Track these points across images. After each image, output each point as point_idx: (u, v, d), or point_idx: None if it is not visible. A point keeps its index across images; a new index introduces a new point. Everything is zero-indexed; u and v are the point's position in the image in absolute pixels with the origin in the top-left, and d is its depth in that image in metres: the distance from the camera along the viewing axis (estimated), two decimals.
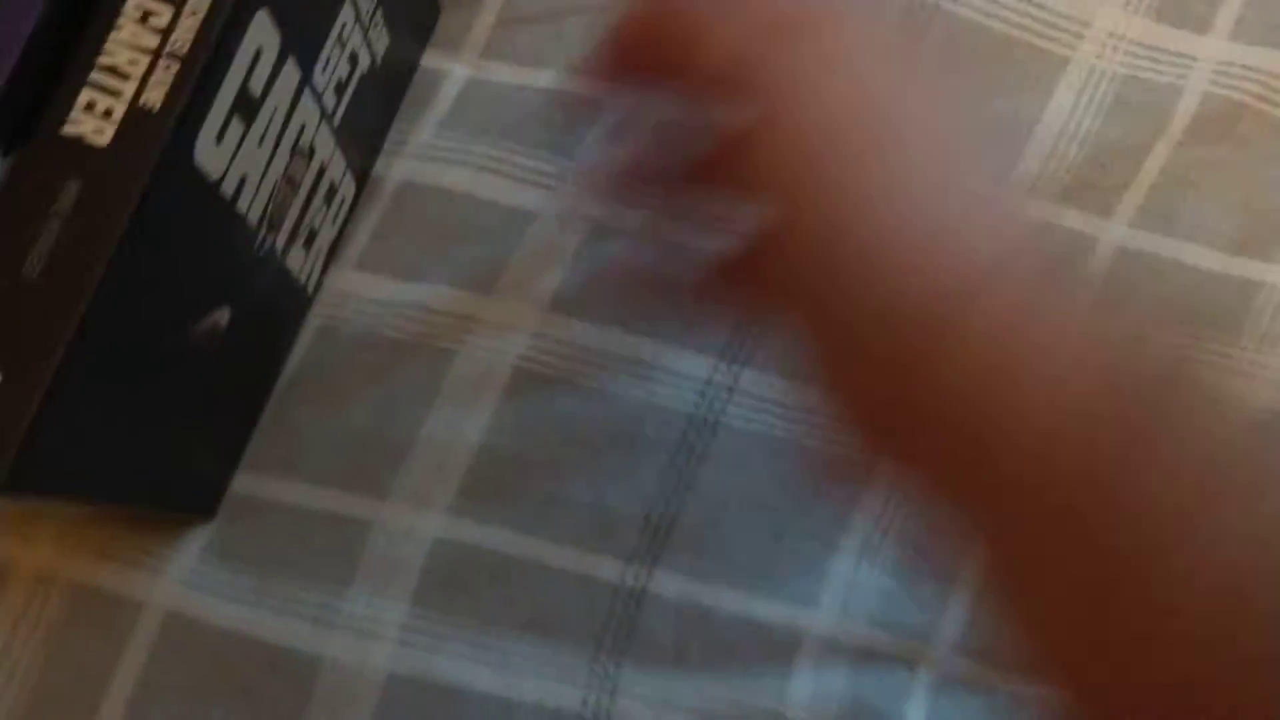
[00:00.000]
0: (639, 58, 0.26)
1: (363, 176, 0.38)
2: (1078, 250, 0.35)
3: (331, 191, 0.36)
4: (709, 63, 0.23)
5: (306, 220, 0.34)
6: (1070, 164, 0.41)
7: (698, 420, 0.38)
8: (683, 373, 0.38)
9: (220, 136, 0.27)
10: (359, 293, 0.38)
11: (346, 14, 0.33)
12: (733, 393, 0.38)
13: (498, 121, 0.40)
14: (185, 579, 0.35)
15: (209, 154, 0.26)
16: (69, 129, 0.25)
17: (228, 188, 0.28)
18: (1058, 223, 0.40)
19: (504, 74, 0.40)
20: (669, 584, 0.36)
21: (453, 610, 0.35)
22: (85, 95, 0.25)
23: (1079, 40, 0.42)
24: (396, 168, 0.39)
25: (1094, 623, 0.21)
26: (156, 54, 0.25)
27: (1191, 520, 0.20)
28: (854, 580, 0.37)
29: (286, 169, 0.31)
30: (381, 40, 0.36)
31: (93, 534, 0.35)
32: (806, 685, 0.35)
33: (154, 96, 0.24)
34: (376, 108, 0.38)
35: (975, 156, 0.24)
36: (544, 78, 0.40)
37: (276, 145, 0.30)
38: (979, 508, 0.23)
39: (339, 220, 0.37)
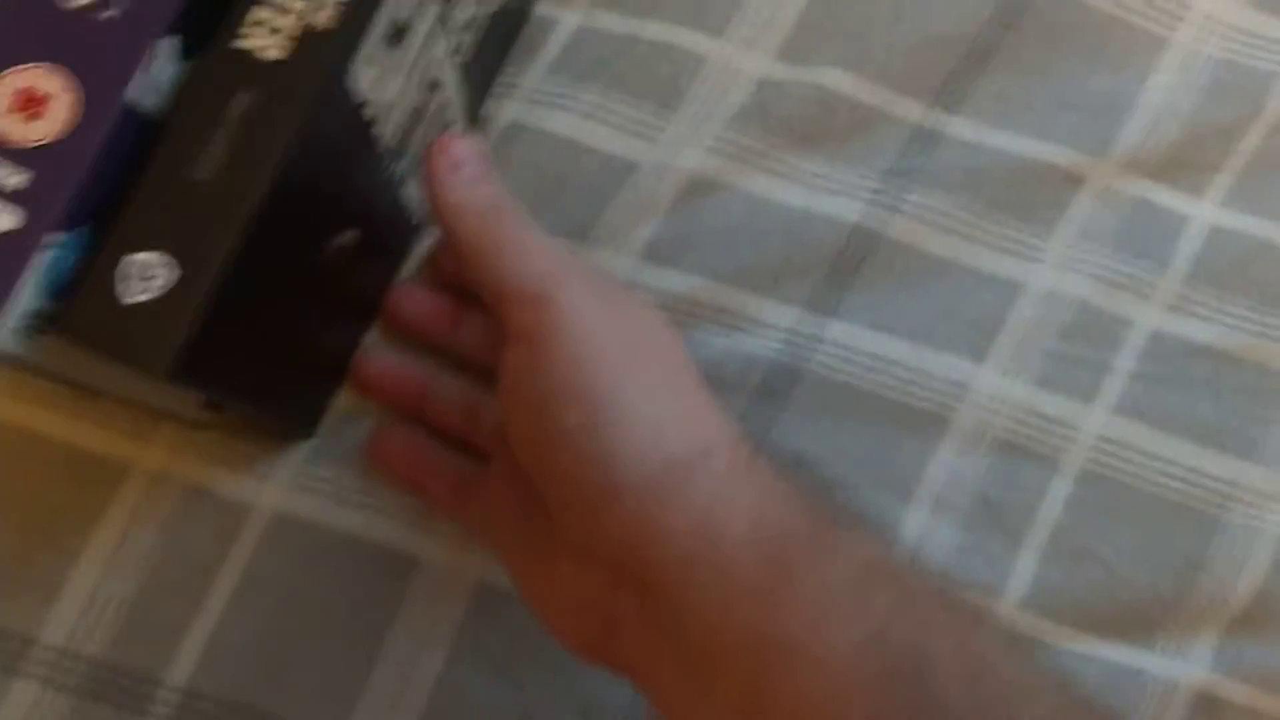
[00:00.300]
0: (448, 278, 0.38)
1: (474, 116, 0.40)
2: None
3: (447, 127, 0.37)
4: (506, 278, 0.30)
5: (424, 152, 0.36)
6: (1165, 143, 0.42)
7: (780, 367, 0.39)
8: (770, 322, 0.39)
9: (373, 61, 0.28)
10: None
11: None
12: (818, 342, 0.39)
13: (605, 70, 0.41)
14: (291, 483, 0.37)
15: (362, 77, 0.28)
16: (243, 43, 0.26)
17: (372, 112, 0.30)
18: (1151, 199, 0.41)
19: (614, 23, 0.42)
20: None
21: None
22: (260, 12, 0.26)
23: (1178, 22, 0.43)
24: (504, 110, 0.41)
25: None
26: None
27: None
28: (926, 533, 0.38)
29: (416, 100, 0.33)
30: None
31: (204, 439, 0.37)
32: None
33: (323, 17, 0.26)
34: (493, 50, 0.39)
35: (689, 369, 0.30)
36: (652, 29, 0.41)
37: (412, 76, 0.31)
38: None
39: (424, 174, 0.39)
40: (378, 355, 0.38)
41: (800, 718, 0.24)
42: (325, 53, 0.26)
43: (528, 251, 0.30)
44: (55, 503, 0.36)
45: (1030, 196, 0.41)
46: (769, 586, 0.25)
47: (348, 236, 0.33)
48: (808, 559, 0.25)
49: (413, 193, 0.37)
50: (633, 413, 0.27)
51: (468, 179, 0.31)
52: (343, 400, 0.38)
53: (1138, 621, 0.38)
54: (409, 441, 0.37)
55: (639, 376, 0.28)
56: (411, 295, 0.38)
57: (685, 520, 0.26)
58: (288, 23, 0.26)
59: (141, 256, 0.25)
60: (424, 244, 0.39)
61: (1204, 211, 0.41)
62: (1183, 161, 0.41)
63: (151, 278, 0.25)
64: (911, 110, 0.41)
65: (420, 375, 0.37)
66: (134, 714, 0.35)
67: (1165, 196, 0.41)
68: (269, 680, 0.36)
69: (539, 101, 0.41)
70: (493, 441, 0.35)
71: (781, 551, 0.25)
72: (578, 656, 0.30)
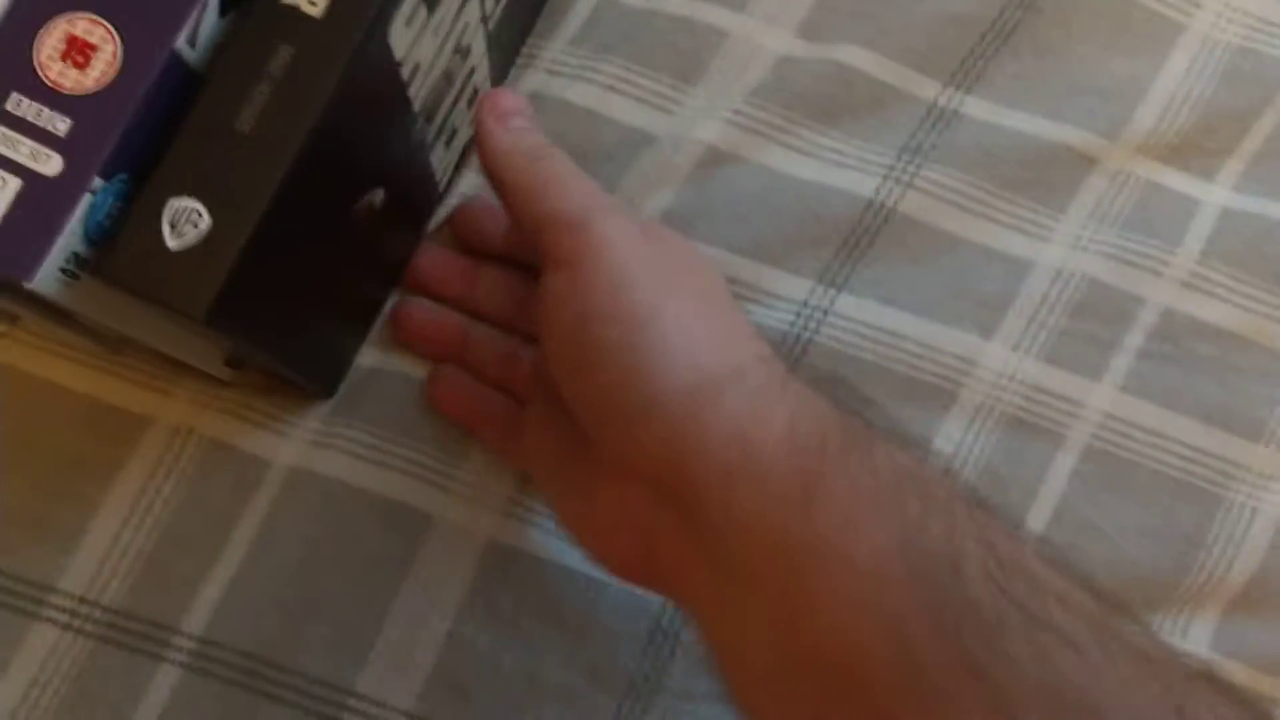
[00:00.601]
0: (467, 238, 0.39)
1: (498, 84, 0.40)
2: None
3: (474, 94, 0.38)
4: (547, 208, 0.31)
5: (450, 119, 0.37)
6: (1179, 126, 0.42)
7: (791, 340, 0.39)
8: (781, 294, 0.40)
9: (410, 22, 0.29)
10: (481, 193, 0.40)
11: None
12: (828, 315, 0.40)
13: (626, 43, 0.41)
14: (310, 440, 0.38)
15: (399, 36, 0.29)
16: None
17: (405, 72, 0.30)
18: (1164, 183, 0.42)
19: None
20: None
21: None
22: None
23: (1196, 9, 0.43)
24: (526, 79, 0.41)
25: None
26: None
27: None
28: None
29: (447, 64, 0.33)
30: None
31: (226, 395, 0.38)
32: None
33: None
34: (518, 19, 0.40)
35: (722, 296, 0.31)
36: (674, 3, 0.42)
37: (444, 39, 0.32)
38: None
39: (474, 124, 0.39)
40: (418, 305, 0.39)
41: (833, 618, 0.24)
42: (366, 10, 0.27)
43: (571, 186, 0.31)
44: (77, 454, 0.37)
45: (1043, 176, 0.41)
46: (801, 493, 0.26)
47: (376, 196, 0.33)
48: (839, 467, 0.26)
49: (439, 158, 0.38)
50: (670, 331, 0.28)
51: (516, 128, 0.33)
52: (363, 361, 0.39)
53: (1138, 599, 0.39)
54: (461, 384, 0.38)
55: (676, 299, 0.29)
56: (430, 254, 0.39)
57: (720, 432, 0.27)
58: None
59: (182, 203, 0.26)
60: (445, 210, 0.40)
61: (1216, 196, 0.42)
62: (1196, 146, 0.42)
63: (191, 224, 0.26)
64: (928, 89, 0.42)
65: (459, 324, 0.38)
66: (150, 660, 0.36)
67: (1178, 180, 0.42)
68: (282, 632, 0.36)
69: (560, 73, 0.41)
70: (529, 386, 0.36)
71: (814, 461, 0.26)
72: (621, 577, 0.31)
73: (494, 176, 0.32)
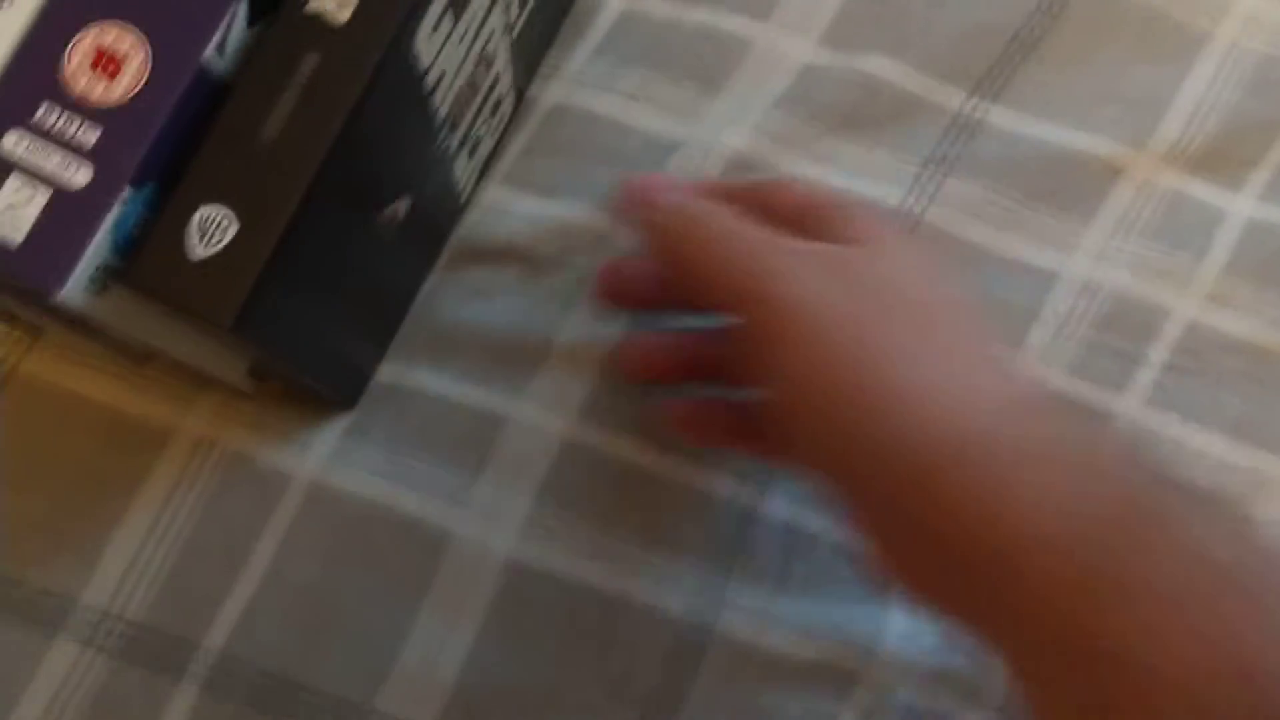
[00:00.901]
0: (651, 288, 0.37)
1: (520, 95, 0.40)
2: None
3: (497, 104, 0.38)
4: (716, 287, 0.29)
5: (474, 129, 0.37)
6: (1204, 136, 0.42)
7: None
8: None
9: (435, 29, 0.29)
10: (504, 205, 0.40)
11: None
12: None
13: (648, 53, 0.41)
14: (330, 455, 0.37)
15: (424, 44, 0.28)
16: (311, 6, 0.27)
17: (430, 80, 0.30)
18: (1189, 193, 0.41)
19: (658, 8, 0.42)
20: (777, 506, 0.38)
21: (573, 509, 0.37)
22: None
23: (1221, 18, 0.43)
24: (549, 90, 0.41)
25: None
26: None
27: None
28: None
29: (471, 73, 0.33)
30: None
31: (246, 409, 0.38)
32: (900, 620, 0.37)
33: None
34: (541, 30, 0.40)
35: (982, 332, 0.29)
36: (696, 14, 0.42)
37: (469, 48, 0.32)
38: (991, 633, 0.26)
39: (497, 134, 0.39)
40: (644, 339, 0.37)
41: None
42: (392, 17, 0.27)
43: (732, 250, 0.29)
44: (99, 467, 0.37)
45: (1069, 187, 0.41)
46: (1085, 582, 0.23)
47: (400, 206, 0.33)
48: (1120, 555, 0.23)
49: (461, 169, 0.37)
50: (897, 394, 0.26)
51: (662, 199, 0.32)
52: (381, 376, 0.38)
53: None
54: (693, 408, 0.36)
55: (889, 347, 0.26)
56: (624, 264, 0.38)
57: (972, 513, 0.25)
58: None
59: (207, 211, 0.26)
60: (467, 223, 0.40)
61: (1242, 206, 0.41)
62: (1222, 155, 0.42)
63: (216, 232, 0.26)
64: (952, 98, 0.42)
65: (675, 344, 0.37)
66: (170, 678, 0.36)
67: (1203, 190, 0.41)
68: (302, 650, 0.36)
69: (584, 83, 0.41)
70: None
71: (1089, 549, 0.23)
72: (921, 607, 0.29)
73: (657, 253, 0.32)
